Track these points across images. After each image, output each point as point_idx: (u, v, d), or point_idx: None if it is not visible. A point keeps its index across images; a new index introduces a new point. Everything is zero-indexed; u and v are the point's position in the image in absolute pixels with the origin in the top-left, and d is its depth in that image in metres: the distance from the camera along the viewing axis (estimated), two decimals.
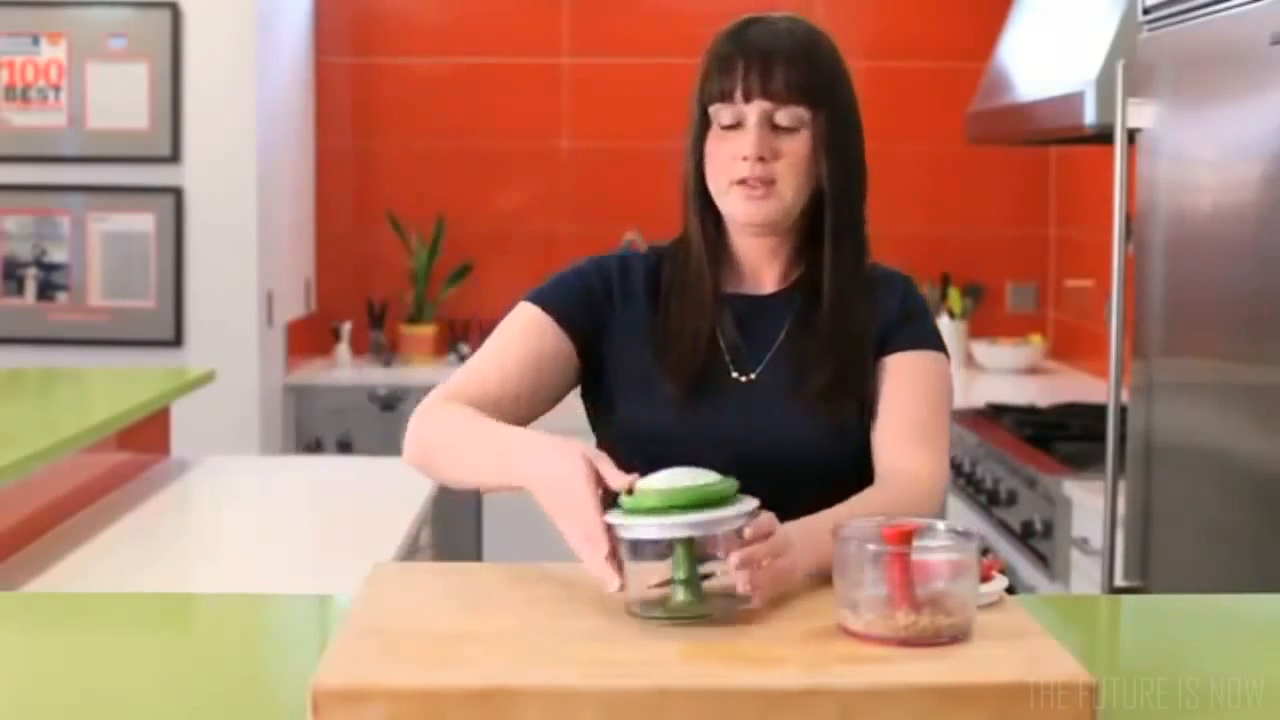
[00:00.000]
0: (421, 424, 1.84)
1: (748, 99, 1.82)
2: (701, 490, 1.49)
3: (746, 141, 1.82)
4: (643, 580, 1.47)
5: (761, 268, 1.92)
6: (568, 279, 1.92)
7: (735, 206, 1.85)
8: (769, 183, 1.83)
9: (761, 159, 1.82)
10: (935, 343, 1.93)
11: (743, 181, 1.83)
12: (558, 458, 1.60)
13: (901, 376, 1.87)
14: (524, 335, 1.87)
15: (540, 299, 1.90)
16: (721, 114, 1.84)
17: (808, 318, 1.88)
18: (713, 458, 1.66)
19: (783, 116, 1.82)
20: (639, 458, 1.69)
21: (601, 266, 1.94)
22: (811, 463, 1.81)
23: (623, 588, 1.50)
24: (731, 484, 1.52)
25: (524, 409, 1.86)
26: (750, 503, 1.51)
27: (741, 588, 1.47)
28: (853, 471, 1.83)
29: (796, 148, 1.83)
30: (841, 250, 1.88)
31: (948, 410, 1.90)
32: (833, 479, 1.79)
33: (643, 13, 5.35)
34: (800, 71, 1.83)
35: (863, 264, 1.91)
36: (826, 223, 1.88)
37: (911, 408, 1.86)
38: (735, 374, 1.87)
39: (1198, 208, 2.63)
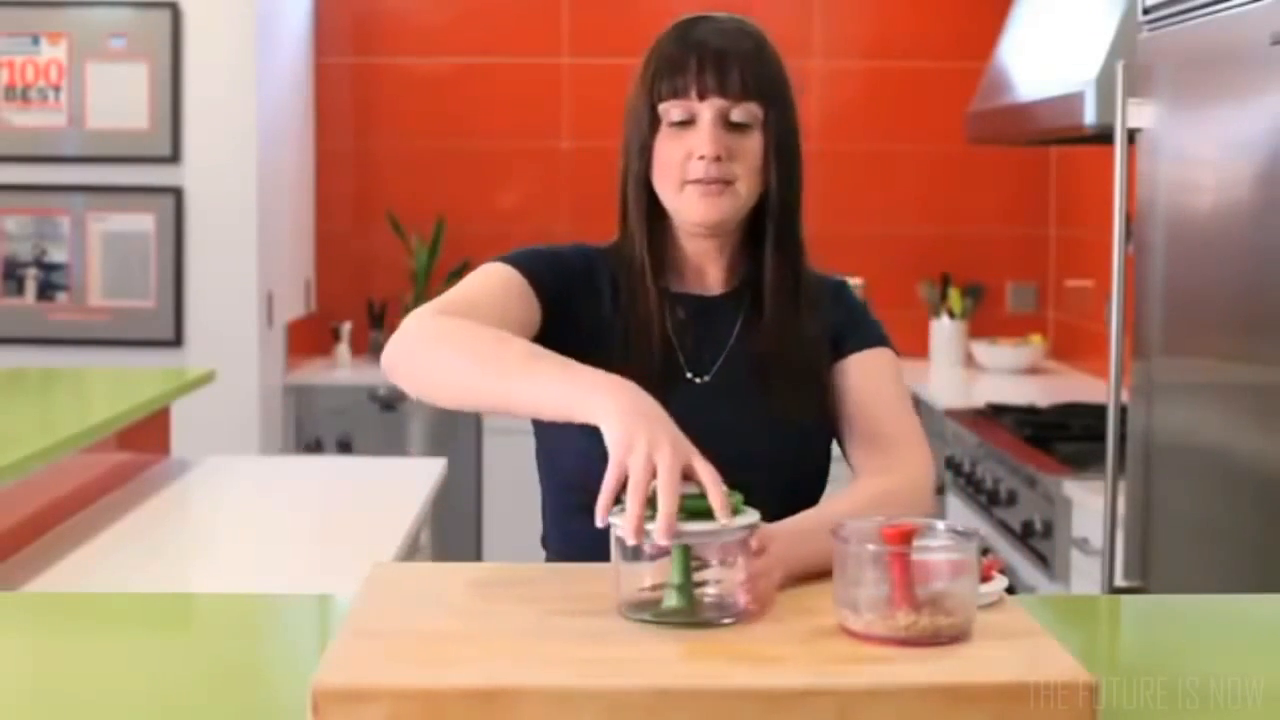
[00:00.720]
0: (421, 324, 1.75)
1: (702, 96, 1.81)
2: (705, 500, 1.48)
3: (702, 140, 1.80)
4: (635, 581, 1.46)
5: (706, 268, 1.90)
6: (543, 250, 1.89)
7: (689, 206, 1.83)
8: (726, 182, 1.82)
9: (718, 158, 1.80)
10: (885, 339, 1.94)
11: (698, 181, 1.81)
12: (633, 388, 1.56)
13: (865, 376, 1.88)
14: (493, 288, 1.80)
15: (513, 260, 1.84)
16: (672, 111, 1.82)
17: (757, 319, 1.88)
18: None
19: (738, 114, 1.81)
20: (585, 466, 1.66)
21: (582, 252, 1.92)
22: (776, 464, 1.80)
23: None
24: (737, 496, 1.52)
25: None
26: (753, 515, 1.51)
27: (745, 603, 1.46)
28: (814, 473, 1.85)
29: (751, 146, 1.82)
30: (786, 251, 1.88)
31: (910, 400, 1.92)
32: (796, 481, 1.81)
33: (643, 13, 5.35)
34: (754, 69, 1.82)
35: (803, 265, 1.90)
36: (769, 223, 1.86)
37: (883, 404, 1.87)
38: (690, 375, 1.86)
39: (1198, 208, 2.63)
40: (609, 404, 1.53)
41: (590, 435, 1.55)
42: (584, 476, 1.63)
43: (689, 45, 1.83)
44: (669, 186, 1.84)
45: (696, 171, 1.81)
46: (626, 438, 1.49)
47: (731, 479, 1.54)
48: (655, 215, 1.89)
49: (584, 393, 1.56)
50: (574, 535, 1.80)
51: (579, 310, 1.86)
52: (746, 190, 1.83)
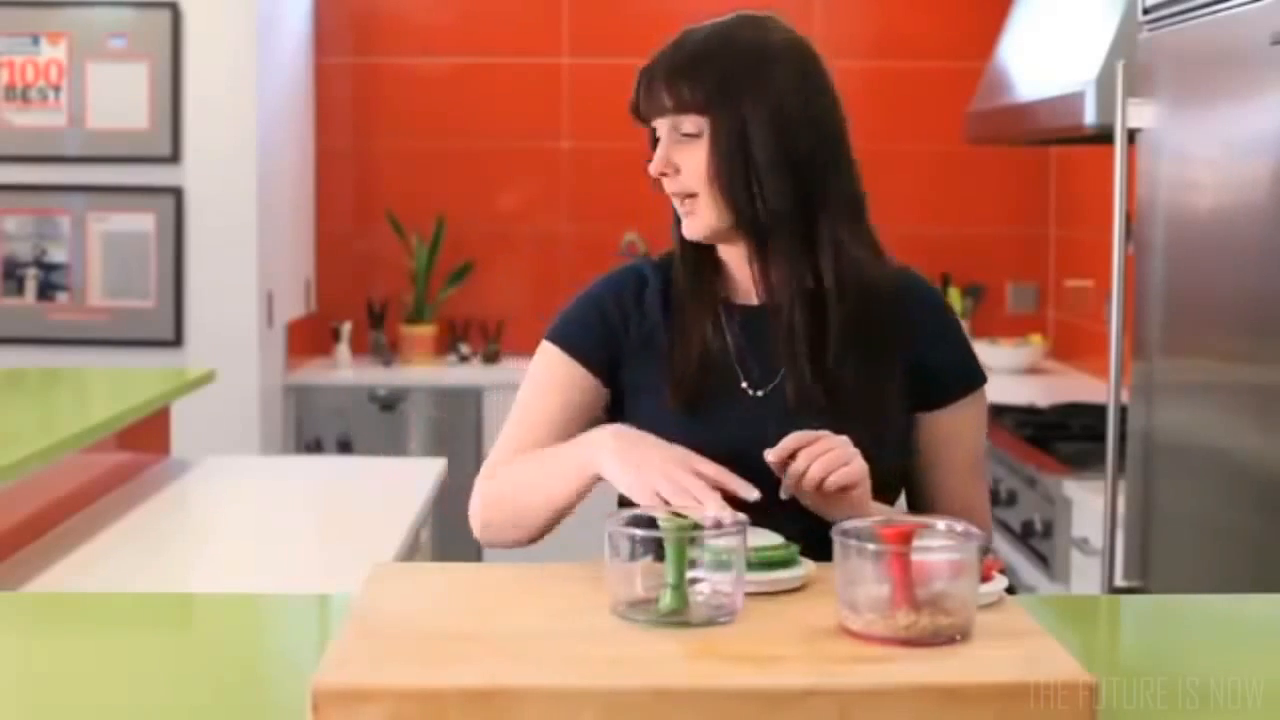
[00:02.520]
0: (484, 490, 1.87)
1: (653, 116, 1.83)
2: (775, 551, 1.56)
3: (654, 160, 1.83)
4: (630, 582, 1.46)
5: (745, 277, 1.87)
6: (586, 312, 1.90)
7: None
8: (690, 196, 1.82)
9: (664, 174, 1.82)
10: (980, 373, 1.91)
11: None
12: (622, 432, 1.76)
13: (955, 439, 1.88)
14: (554, 389, 1.88)
15: (563, 338, 1.89)
16: (654, 131, 1.84)
17: (814, 328, 1.81)
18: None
19: (687, 125, 1.80)
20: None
21: (616, 286, 1.91)
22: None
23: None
24: (794, 547, 1.58)
25: None
26: (808, 565, 1.57)
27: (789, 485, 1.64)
28: (884, 489, 1.80)
29: (698, 156, 1.79)
30: (773, 263, 1.82)
31: (984, 452, 1.96)
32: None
33: (643, 13, 5.35)
34: (693, 80, 1.79)
35: (860, 269, 1.83)
36: (744, 234, 1.83)
37: (974, 452, 1.90)
38: (745, 386, 1.83)
39: (1198, 208, 2.63)
40: (600, 454, 1.72)
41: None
42: None
43: (648, 65, 1.84)
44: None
45: (665, 188, 1.84)
46: (629, 470, 1.66)
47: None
48: None
49: (581, 453, 1.76)
50: None
51: (626, 348, 1.88)
52: (707, 201, 1.80)
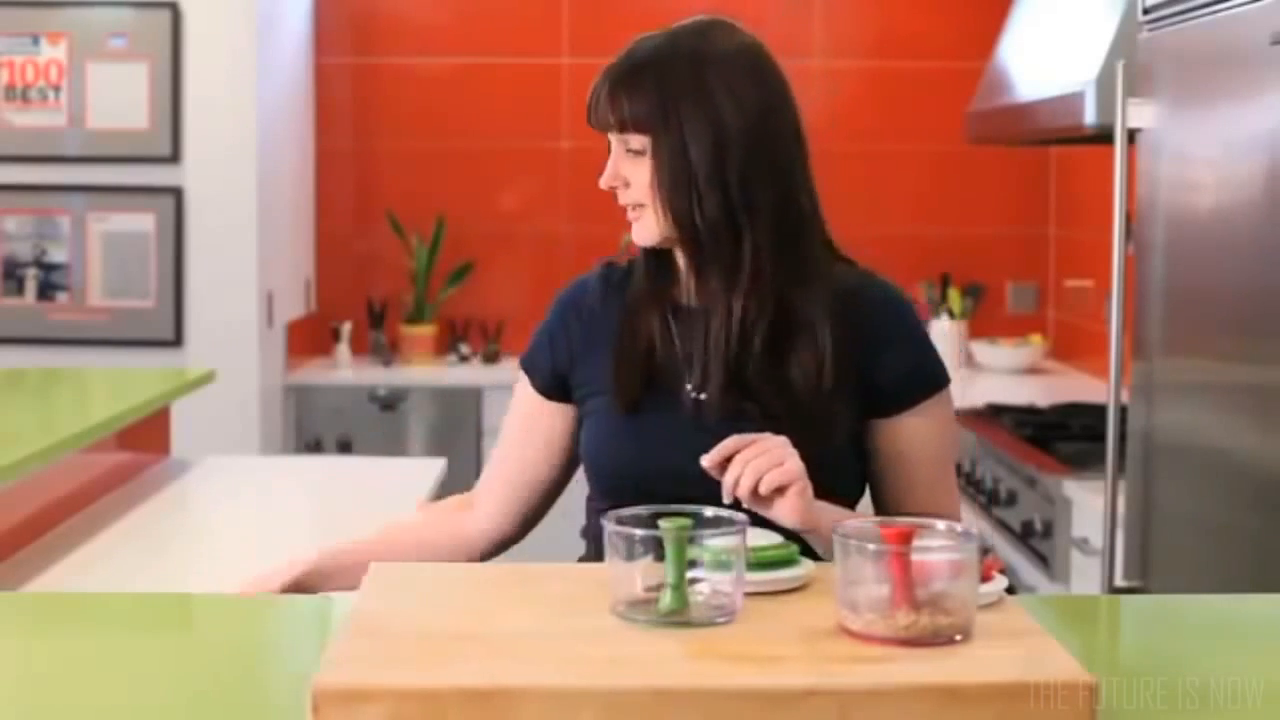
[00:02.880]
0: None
1: (601, 130, 1.87)
2: (774, 550, 1.56)
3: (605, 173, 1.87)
4: (630, 582, 1.47)
5: (696, 281, 1.88)
6: (540, 337, 1.99)
7: None
8: (639, 205, 1.85)
9: (613, 188, 1.86)
10: (941, 376, 1.90)
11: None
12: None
13: (927, 428, 1.88)
14: (522, 416, 1.99)
15: (525, 366, 1.99)
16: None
17: (761, 334, 1.82)
18: (664, 471, 1.76)
19: (634, 143, 1.83)
20: (594, 472, 1.88)
21: (563, 304, 1.98)
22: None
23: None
24: (793, 546, 1.58)
25: (558, 474, 1.99)
26: (808, 565, 1.57)
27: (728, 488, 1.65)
28: (841, 491, 1.83)
29: (640, 171, 1.83)
30: (710, 273, 1.84)
31: (954, 452, 1.96)
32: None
33: (642, 13, 5.34)
34: (634, 99, 1.82)
35: (795, 279, 1.84)
36: (682, 246, 1.86)
37: (940, 455, 1.90)
38: (689, 388, 1.86)
39: (1198, 208, 2.63)
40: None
41: (600, 425, 1.84)
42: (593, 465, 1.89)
43: (597, 80, 1.87)
44: None
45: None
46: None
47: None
48: None
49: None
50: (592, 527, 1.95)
51: (576, 359, 1.94)
52: (657, 214, 1.84)
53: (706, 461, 1.69)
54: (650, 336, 1.87)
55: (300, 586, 1.92)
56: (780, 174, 1.84)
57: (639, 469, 1.84)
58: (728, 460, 1.68)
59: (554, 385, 1.96)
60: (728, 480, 1.67)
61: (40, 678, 1.53)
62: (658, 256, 1.91)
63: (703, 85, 1.80)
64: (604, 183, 1.86)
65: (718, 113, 1.80)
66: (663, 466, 1.81)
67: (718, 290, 1.83)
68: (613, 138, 1.86)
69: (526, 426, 1.98)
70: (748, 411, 1.81)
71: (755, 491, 1.66)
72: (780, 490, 1.67)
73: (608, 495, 1.87)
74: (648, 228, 1.85)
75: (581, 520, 1.98)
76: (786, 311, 1.83)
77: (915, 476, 1.88)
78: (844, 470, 1.86)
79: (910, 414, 1.87)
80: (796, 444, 1.70)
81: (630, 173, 1.84)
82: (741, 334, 1.83)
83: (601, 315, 1.93)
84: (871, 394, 1.85)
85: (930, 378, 1.88)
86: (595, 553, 1.92)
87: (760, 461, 1.67)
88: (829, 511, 1.74)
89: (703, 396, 1.84)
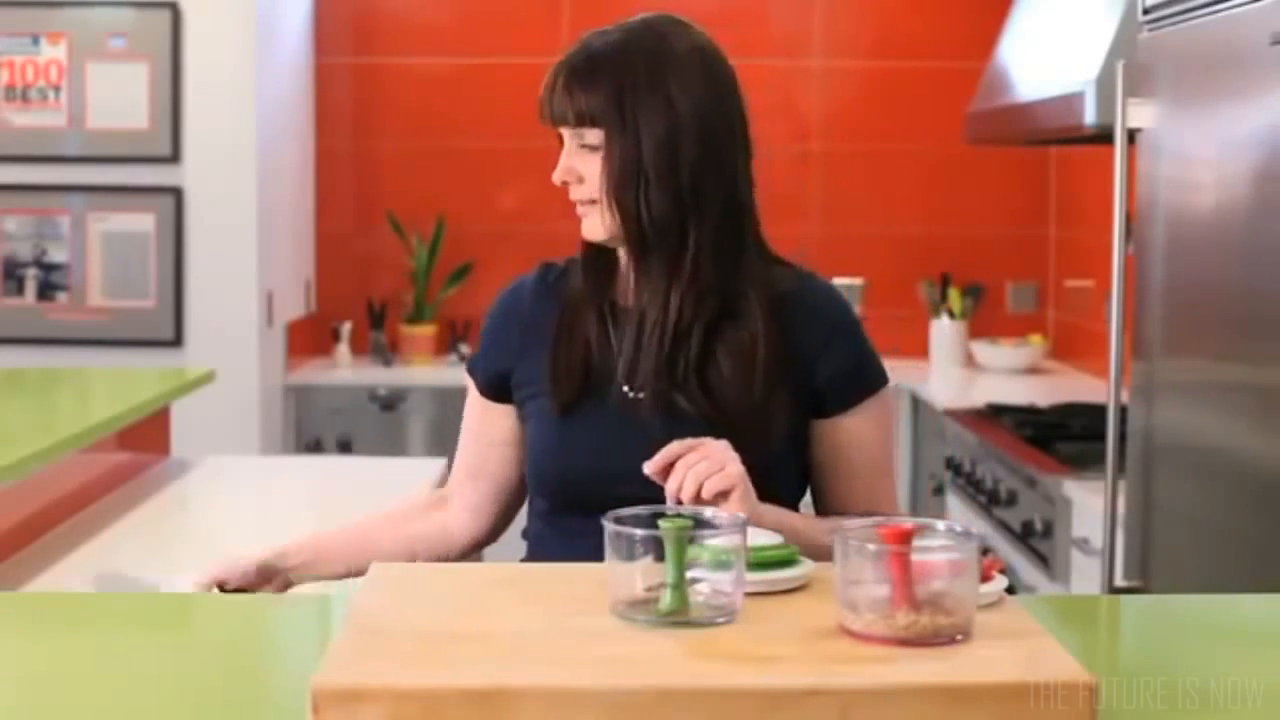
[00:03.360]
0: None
1: (555, 124, 1.86)
2: (772, 551, 1.56)
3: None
4: (630, 582, 1.47)
5: (638, 281, 1.89)
6: (483, 338, 2.01)
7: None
8: (590, 201, 1.85)
9: (565, 183, 1.86)
10: (883, 376, 1.92)
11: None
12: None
13: (865, 428, 1.90)
14: (472, 417, 2.01)
15: (470, 368, 2.01)
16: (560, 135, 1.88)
17: (698, 333, 1.84)
18: (600, 471, 1.78)
19: (589, 137, 1.84)
20: (533, 473, 1.89)
21: (501, 302, 2.00)
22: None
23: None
24: (793, 548, 1.58)
25: (513, 471, 2.00)
26: (808, 565, 1.57)
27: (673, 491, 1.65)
28: (782, 491, 1.84)
29: (593, 167, 1.84)
30: (653, 271, 1.84)
31: (892, 450, 1.98)
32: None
33: (642, 13, 5.35)
34: (590, 93, 1.82)
35: (740, 281, 1.85)
36: (630, 244, 1.86)
37: (879, 454, 1.93)
38: (625, 388, 1.87)
39: (1198, 208, 2.63)
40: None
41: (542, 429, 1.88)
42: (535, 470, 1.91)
43: (550, 73, 1.87)
44: None
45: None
46: None
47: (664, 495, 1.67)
48: None
49: None
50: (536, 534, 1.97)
51: (511, 366, 1.96)
52: (611, 209, 1.84)
53: (649, 468, 1.69)
54: (587, 336, 1.88)
55: (271, 570, 1.94)
56: (728, 174, 1.85)
57: (575, 469, 1.86)
58: (670, 465, 1.69)
59: (496, 387, 1.97)
60: (671, 486, 1.68)
61: (40, 678, 1.53)
62: (597, 255, 1.91)
63: (659, 82, 1.82)
64: (556, 177, 1.86)
65: (673, 110, 1.82)
66: (597, 466, 1.83)
67: (658, 288, 1.84)
68: (566, 133, 1.86)
69: (477, 430, 2.01)
70: (683, 411, 1.82)
71: (698, 496, 1.67)
72: (723, 494, 1.68)
73: (546, 496, 1.91)
74: (598, 223, 1.86)
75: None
76: (724, 312, 1.84)
77: (856, 476, 1.91)
78: (783, 470, 1.87)
79: (850, 415, 1.89)
80: (734, 446, 1.72)
81: (583, 168, 1.85)
82: (677, 333, 1.84)
83: (538, 316, 1.93)
84: (812, 395, 1.87)
85: (870, 379, 1.91)
86: (534, 554, 1.93)
87: (701, 467, 1.67)
88: (771, 513, 1.76)
89: (640, 395, 1.85)
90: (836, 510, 1.92)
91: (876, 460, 1.92)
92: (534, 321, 1.93)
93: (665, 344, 1.83)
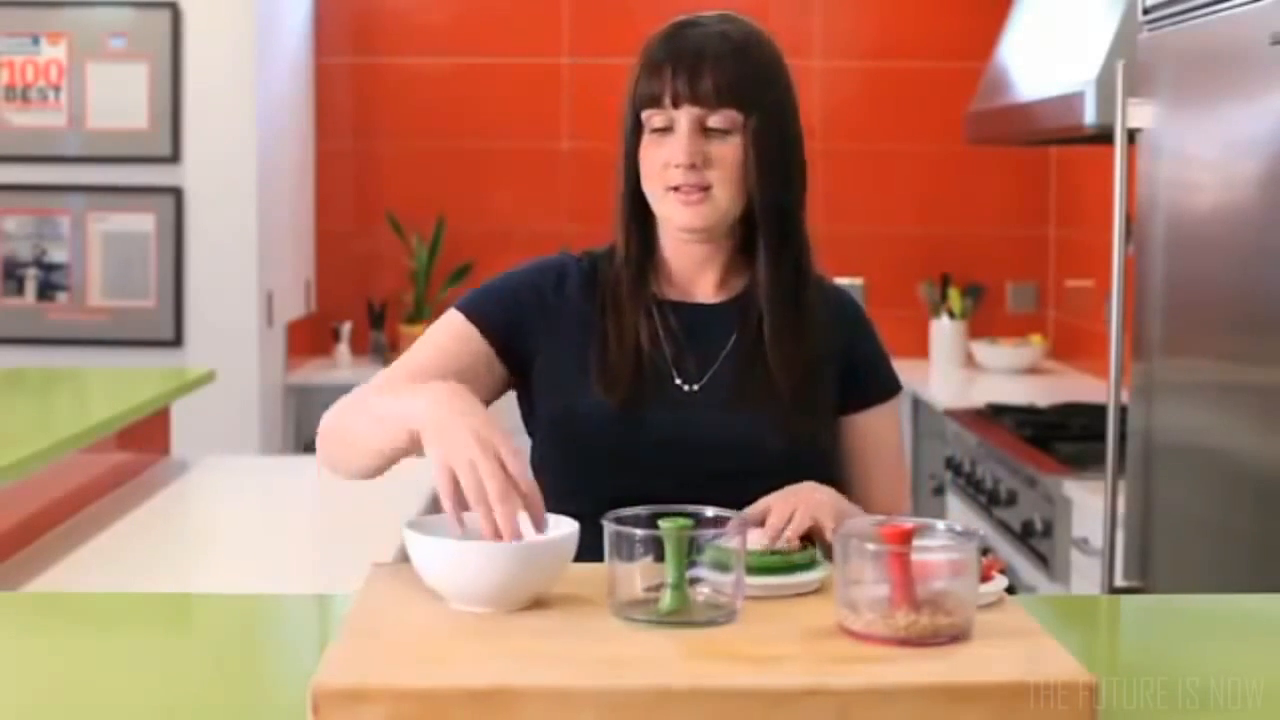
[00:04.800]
0: (324, 421, 1.90)
1: (676, 104, 1.81)
2: (774, 557, 1.57)
3: (676, 148, 1.80)
4: (630, 582, 1.47)
5: (699, 276, 1.90)
6: (497, 285, 1.92)
7: (671, 212, 1.83)
8: (704, 188, 1.81)
9: (693, 165, 1.80)
10: (896, 381, 1.96)
11: (677, 188, 1.82)
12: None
13: (875, 445, 1.92)
14: (445, 342, 1.88)
15: (466, 305, 1.90)
16: (653, 119, 1.82)
17: (753, 329, 1.86)
18: (657, 464, 1.76)
19: (716, 120, 1.81)
20: (576, 461, 1.81)
21: (539, 271, 1.93)
22: (767, 474, 1.76)
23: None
24: (811, 550, 1.60)
25: None
26: (824, 568, 1.57)
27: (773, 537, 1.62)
28: (810, 477, 1.82)
29: (729, 152, 1.81)
30: (782, 260, 1.86)
31: (904, 455, 2.01)
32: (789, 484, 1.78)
33: (643, 13, 5.34)
34: (729, 74, 1.80)
35: (804, 274, 1.88)
36: (761, 231, 1.85)
37: (895, 465, 1.95)
38: (679, 382, 1.86)
39: (1198, 208, 2.63)
40: (420, 412, 1.60)
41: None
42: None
43: (668, 51, 1.82)
44: (654, 193, 1.85)
45: (675, 178, 1.81)
46: (437, 440, 1.56)
47: (724, 488, 1.64)
48: (647, 222, 1.89)
49: (409, 405, 1.64)
50: None
51: (540, 331, 1.88)
52: (726, 196, 1.82)
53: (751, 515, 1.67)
54: (638, 333, 1.86)
55: None
56: (804, 172, 1.89)
57: (634, 464, 1.81)
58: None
59: (496, 328, 1.87)
60: (771, 534, 1.65)
61: (40, 678, 1.53)
62: (643, 252, 1.89)
63: (781, 72, 1.86)
64: (684, 158, 1.79)
65: (791, 101, 1.86)
66: (669, 461, 1.80)
67: (767, 279, 1.85)
68: (686, 114, 1.80)
69: (449, 346, 1.86)
70: (740, 405, 1.83)
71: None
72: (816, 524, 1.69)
73: (601, 494, 1.83)
74: (710, 210, 1.82)
75: None
76: (789, 308, 1.86)
77: (875, 474, 1.93)
78: (826, 467, 1.87)
79: (873, 413, 1.92)
80: (788, 439, 1.76)
81: (712, 151, 1.81)
82: (743, 327, 1.86)
83: (569, 305, 1.89)
84: (843, 391, 1.90)
85: (892, 380, 1.96)
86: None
87: (799, 516, 1.67)
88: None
89: (693, 388, 1.85)
90: (880, 503, 1.92)
91: (893, 462, 1.95)
92: (564, 308, 1.89)
93: (734, 340, 1.86)
